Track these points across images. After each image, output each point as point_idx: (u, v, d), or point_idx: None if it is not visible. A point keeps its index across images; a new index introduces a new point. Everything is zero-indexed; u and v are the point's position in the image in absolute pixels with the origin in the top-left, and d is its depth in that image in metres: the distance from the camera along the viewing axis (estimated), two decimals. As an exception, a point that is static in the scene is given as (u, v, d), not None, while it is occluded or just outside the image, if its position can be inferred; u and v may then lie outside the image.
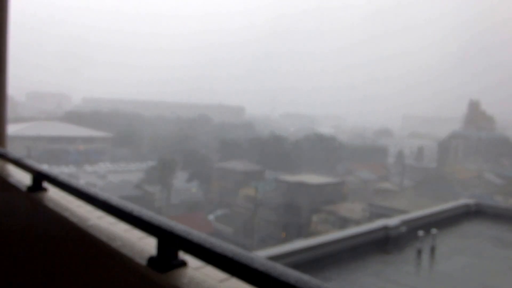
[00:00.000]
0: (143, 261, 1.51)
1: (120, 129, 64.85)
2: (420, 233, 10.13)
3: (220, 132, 68.79)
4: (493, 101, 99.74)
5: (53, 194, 2.40)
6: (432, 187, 52.63)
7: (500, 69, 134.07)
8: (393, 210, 31.89)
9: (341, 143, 66.72)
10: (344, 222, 39.49)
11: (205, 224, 42.19)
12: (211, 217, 46.89)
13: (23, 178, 2.65)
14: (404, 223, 11.40)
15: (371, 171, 57.27)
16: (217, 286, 1.37)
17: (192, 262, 1.48)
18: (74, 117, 69.96)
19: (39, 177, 2.44)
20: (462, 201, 15.59)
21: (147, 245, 1.63)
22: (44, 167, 2.50)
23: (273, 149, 59.63)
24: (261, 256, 1.21)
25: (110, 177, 53.83)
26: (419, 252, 10.03)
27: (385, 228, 10.89)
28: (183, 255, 1.49)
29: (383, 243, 10.60)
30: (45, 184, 2.46)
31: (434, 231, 10.37)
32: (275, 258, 7.95)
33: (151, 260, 1.48)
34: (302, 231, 40.34)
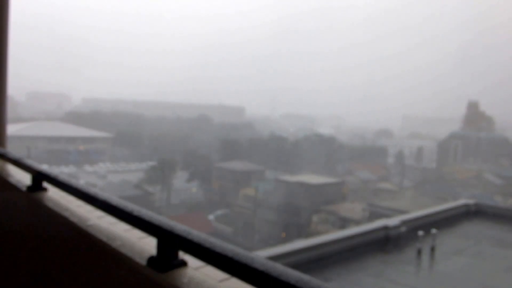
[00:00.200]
0: (143, 261, 1.51)
1: (120, 129, 64.78)
2: (420, 233, 10.12)
3: (220, 132, 68.76)
4: (493, 101, 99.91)
5: (53, 194, 2.40)
6: (431, 187, 52.77)
7: (500, 70, 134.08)
8: (393, 210, 31.90)
9: (341, 143, 66.81)
10: (344, 222, 39.53)
11: (205, 224, 42.22)
12: (211, 217, 46.89)
13: (23, 178, 2.65)
14: (404, 223, 11.40)
15: (371, 171, 57.32)
16: (217, 286, 1.37)
17: (192, 262, 1.47)
18: (74, 117, 69.86)
19: (39, 177, 2.44)
20: (462, 201, 15.54)
21: (147, 245, 1.63)
22: (44, 167, 2.50)
23: (273, 149, 59.71)
24: (261, 256, 1.21)
25: (110, 177, 53.81)
26: (419, 252, 10.02)
27: (385, 228, 10.89)
28: (183, 255, 1.49)
29: (383, 243, 10.60)
30: (45, 184, 2.46)
31: (434, 231, 10.37)
32: (275, 258, 7.93)
33: (151, 260, 1.48)
34: (302, 231, 40.38)
